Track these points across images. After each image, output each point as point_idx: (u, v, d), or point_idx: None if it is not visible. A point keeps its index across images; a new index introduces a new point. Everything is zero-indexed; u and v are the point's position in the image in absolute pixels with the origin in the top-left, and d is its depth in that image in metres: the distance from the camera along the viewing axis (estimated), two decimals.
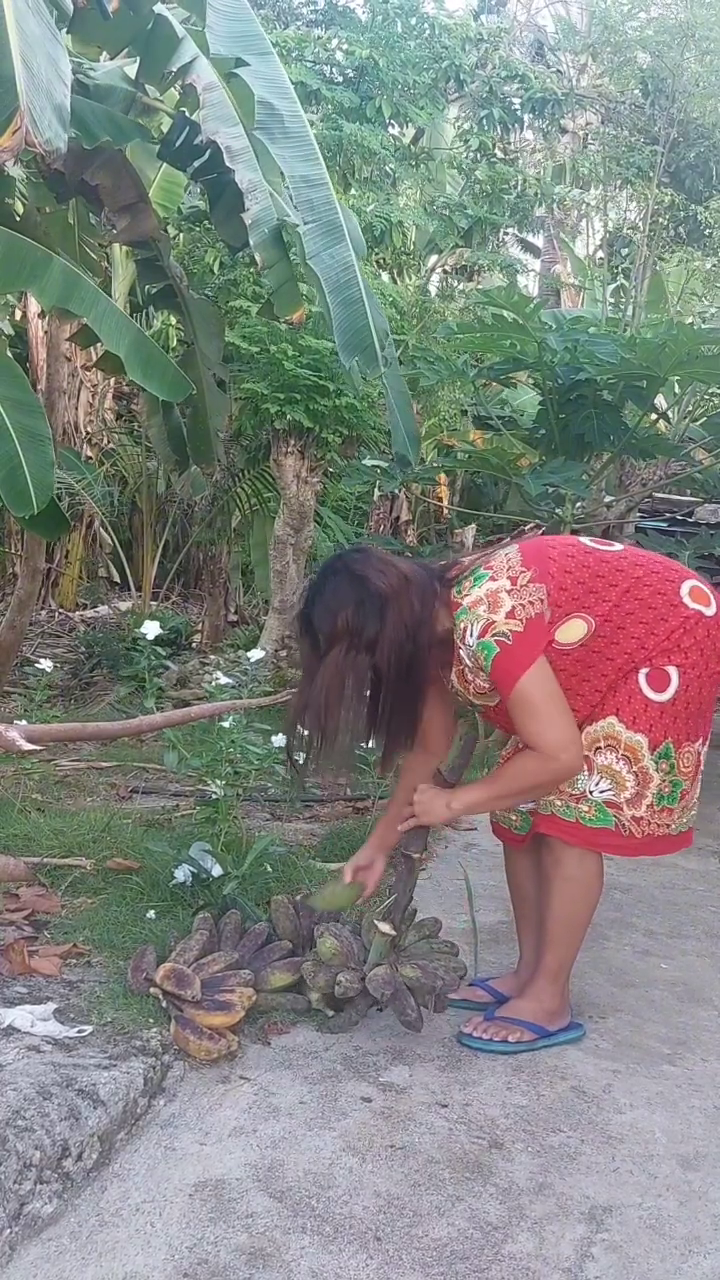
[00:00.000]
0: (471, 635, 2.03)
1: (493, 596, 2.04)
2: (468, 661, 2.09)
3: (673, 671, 2.08)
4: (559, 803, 2.12)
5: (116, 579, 8.73)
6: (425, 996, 2.14)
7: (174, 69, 4.00)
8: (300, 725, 2.11)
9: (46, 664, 3.68)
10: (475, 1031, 2.17)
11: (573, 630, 2.07)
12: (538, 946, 2.27)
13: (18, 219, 4.30)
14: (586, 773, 2.10)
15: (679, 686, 2.08)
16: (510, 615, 2.01)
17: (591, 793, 2.09)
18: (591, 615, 2.07)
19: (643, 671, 2.09)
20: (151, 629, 2.78)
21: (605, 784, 2.09)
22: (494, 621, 2.01)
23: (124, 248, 6.64)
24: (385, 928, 2.14)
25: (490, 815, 2.42)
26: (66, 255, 4.23)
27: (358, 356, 4.37)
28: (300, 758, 2.18)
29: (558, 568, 2.09)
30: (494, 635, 2.00)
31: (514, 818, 2.31)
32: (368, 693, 2.08)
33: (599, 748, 2.09)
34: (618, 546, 2.22)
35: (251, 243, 4.04)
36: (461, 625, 2.06)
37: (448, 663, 2.15)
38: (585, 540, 2.23)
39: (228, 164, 3.86)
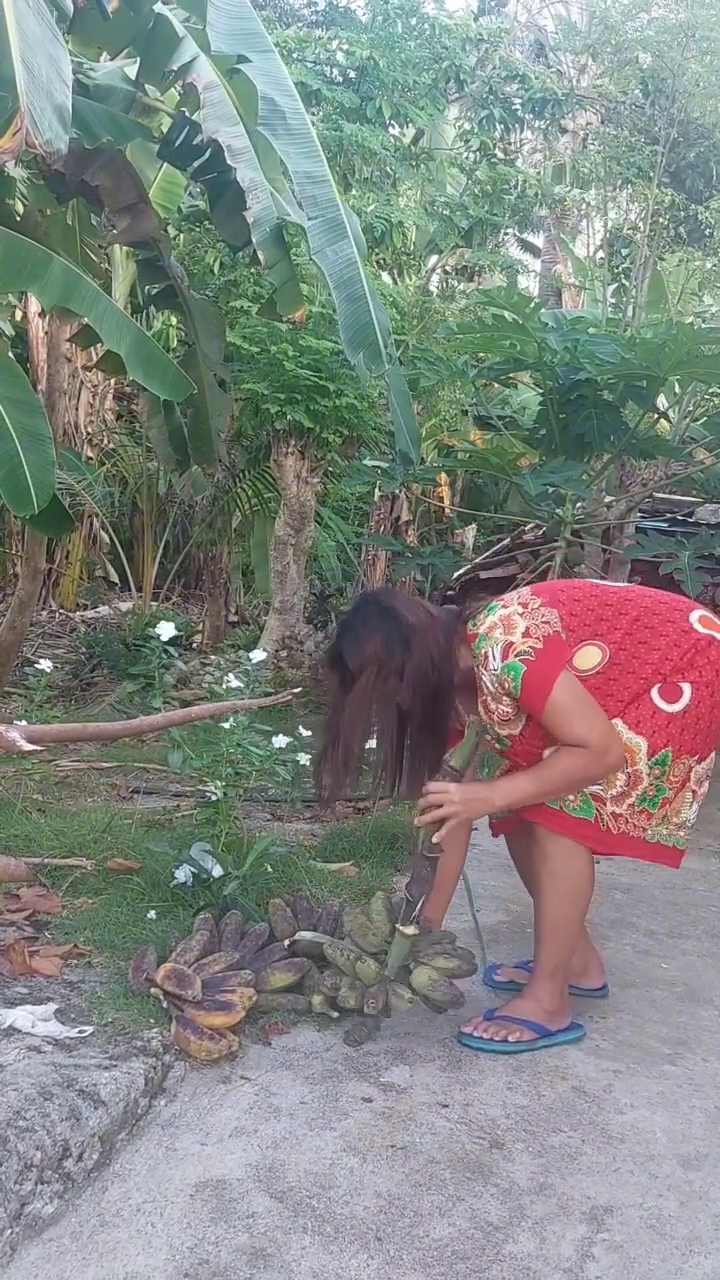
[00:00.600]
0: (494, 659, 2.09)
1: (506, 620, 2.11)
2: (490, 688, 2.14)
3: (685, 687, 2.13)
4: None
5: (114, 579, 8.73)
6: (449, 989, 2.16)
7: (174, 68, 4.00)
8: (331, 753, 2.16)
9: (46, 664, 3.67)
10: (476, 1031, 2.17)
11: (588, 656, 2.13)
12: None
13: (18, 219, 4.30)
14: None
15: (690, 701, 2.13)
16: (526, 634, 2.08)
17: None
18: (605, 642, 2.14)
19: (656, 686, 2.14)
20: (166, 630, 2.78)
21: None
22: (513, 643, 2.07)
23: (124, 248, 6.65)
24: (410, 930, 2.14)
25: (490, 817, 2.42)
26: (67, 256, 4.23)
27: (362, 352, 4.38)
28: (328, 783, 2.21)
29: (567, 597, 2.18)
30: (517, 655, 2.06)
31: None
32: (395, 722, 2.15)
33: None
34: (624, 584, 2.31)
35: (254, 241, 4.05)
36: (482, 652, 2.12)
37: (470, 707, 2.21)
38: (591, 580, 2.33)
39: (229, 162, 3.86)
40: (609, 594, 2.22)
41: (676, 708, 2.12)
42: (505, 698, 2.12)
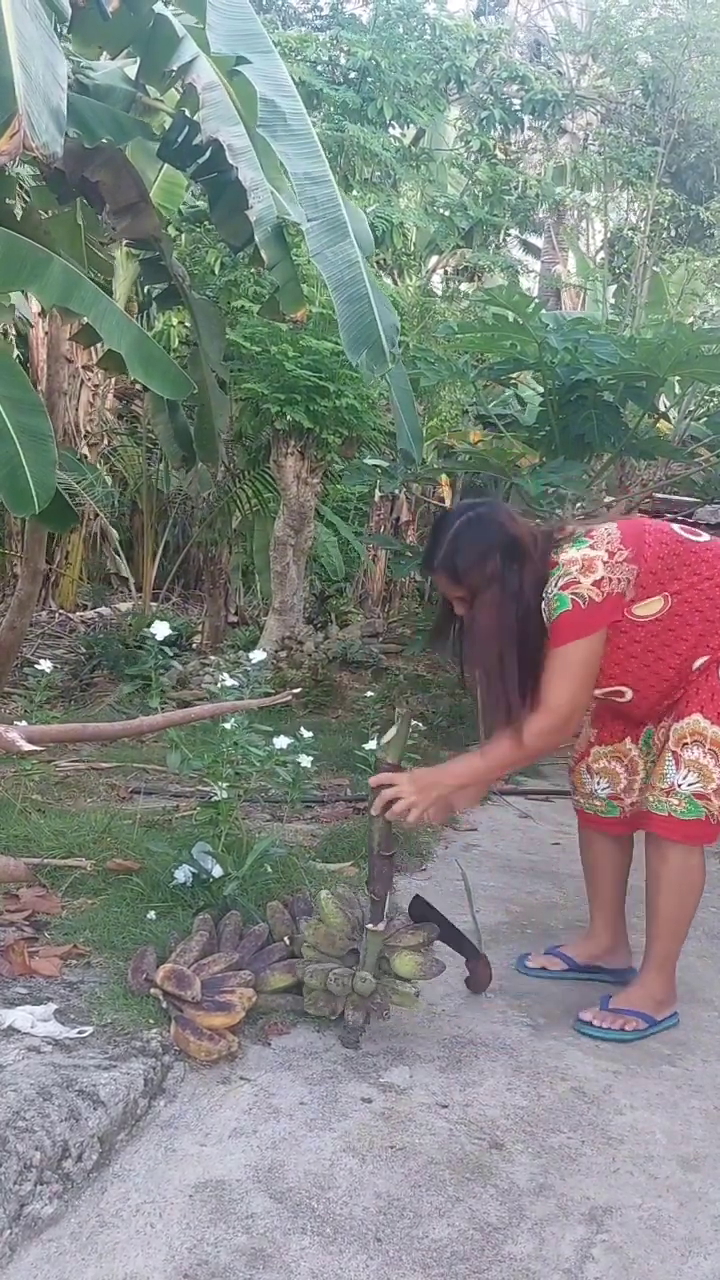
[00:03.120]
0: (554, 586, 2.15)
1: (588, 562, 2.16)
2: (544, 606, 2.19)
3: None
4: (651, 798, 2.24)
5: (126, 573, 8.67)
6: (436, 966, 2.19)
7: (174, 68, 4.01)
8: (487, 677, 2.19)
9: (46, 665, 3.66)
10: (595, 1021, 2.26)
11: (650, 606, 2.19)
12: (613, 920, 2.50)
13: (18, 219, 4.30)
14: (674, 766, 2.20)
15: None
16: (597, 584, 2.14)
17: (680, 786, 2.19)
18: (670, 594, 2.19)
19: None
20: (161, 629, 2.78)
21: (693, 777, 2.19)
22: (579, 582, 2.14)
23: (125, 248, 6.65)
24: (380, 927, 2.15)
25: (574, 803, 2.53)
26: (72, 256, 4.23)
27: (365, 352, 4.35)
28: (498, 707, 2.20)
29: (651, 553, 2.20)
30: (573, 593, 2.14)
31: (598, 804, 2.46)
32: (513, 640, 2.17)
33: (686, 743, 2.20)
34: (704, 537, 2.32)
35: (257, 240, 4.05)
36: (554, 578, 2.17)
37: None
38: (675, 528, 2.33)
39: (230, 161, 3.86)
40: (689, 551, 2.23)
41: None
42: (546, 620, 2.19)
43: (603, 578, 2.14)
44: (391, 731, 2.18)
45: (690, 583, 2.19)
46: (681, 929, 2.30)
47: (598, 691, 2.26)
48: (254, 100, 4.04)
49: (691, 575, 2.20)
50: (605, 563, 2.15)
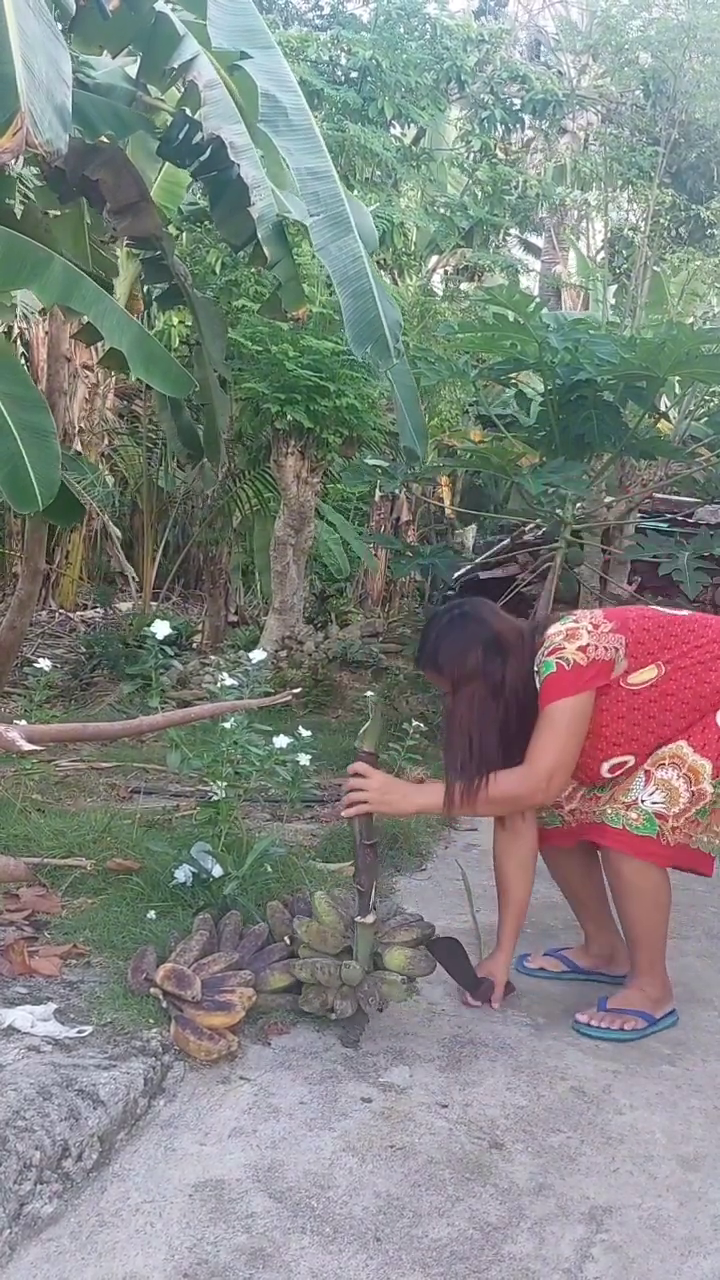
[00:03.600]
0: (541, 656, 2.24)
1: (572, 632, 2.27)
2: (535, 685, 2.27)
3: None
4: (610, 810, 2.26)
5: (133, 574, 8.66)
6: (427, 963, 2.19)
7: (175, 66, 3.99)
8: (459, 756, 2.25)
9: (46, 664, 3.66)
10: (593, 1022, 2.27)
11: (644, 674, 2.25)
12: (605, 925, 2.54)
13: (18, 218, 4.30)
14: (643, 783, 2.24)
15: None
16: (582, 650, 2.22)
17: (643, 802, 2.22)
18: (663, 662, 2.26)
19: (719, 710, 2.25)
20: (161, 628, 2.78)
21: (659, 796, 2.21)
22: (564, 648, 2.23)
23: (125, 248, 6.65)
24: (369, 920, 2.15)
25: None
26: (76, 255, 4.23)
27: (370, 346, 4.34)
28: (461, 783, 2.26)
29: (636, 625, 2.30)
30: (558, 657, 2.22)
31: (543, 814, 2.47)
32: (495, 730, 2.25)
33: (662, 764, 2.23)
34: (685, 612, 2.41)
35: (259, 236, 4.04)
36: (539, 654, 2.26)
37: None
38: (657, 608, 2.44)
39: (231, 159, 3.85)
40: (673, 622, 2.33)
41: None
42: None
43: (588, 644, 2.22)
44: (368, 722, 2.22)
45: (682, 650, 2.27)
46: (657, 933, 2.30)
47: (604, 768, 2.30)
48: (255, 96, 4.03)
49: (681, 645, 2.28)
50: (589, 632, 2.25)
